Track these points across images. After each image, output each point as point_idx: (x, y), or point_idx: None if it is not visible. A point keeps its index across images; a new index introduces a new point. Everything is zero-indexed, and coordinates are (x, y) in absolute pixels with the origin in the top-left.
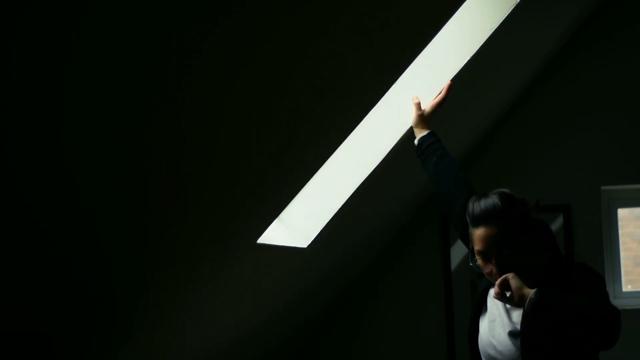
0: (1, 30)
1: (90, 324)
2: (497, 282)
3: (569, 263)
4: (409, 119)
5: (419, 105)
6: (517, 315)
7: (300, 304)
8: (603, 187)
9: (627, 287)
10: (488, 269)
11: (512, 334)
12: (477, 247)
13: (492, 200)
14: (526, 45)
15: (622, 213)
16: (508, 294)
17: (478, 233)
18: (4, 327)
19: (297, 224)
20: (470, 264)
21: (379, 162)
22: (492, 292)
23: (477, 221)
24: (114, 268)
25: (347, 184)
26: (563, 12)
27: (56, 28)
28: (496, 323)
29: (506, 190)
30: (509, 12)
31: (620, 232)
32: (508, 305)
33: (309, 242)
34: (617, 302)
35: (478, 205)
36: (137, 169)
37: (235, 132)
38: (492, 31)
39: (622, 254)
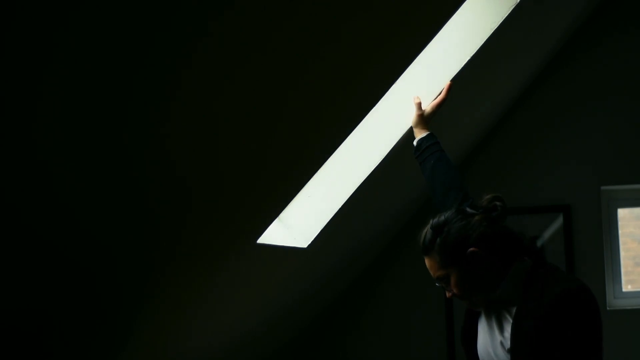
0: None
1: (92, 325)
2: None
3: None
4: (409, 119)
5: (419, 105)
6: (508, 327)
7: (300, 304)
8: (603, 187)
9: (627, 287)
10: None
11: (503, 346)
12: None
13: (425, 231)
14: (526, 45)
15: (622, 213)
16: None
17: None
18: (4, 325)
19: (297, 224)
20: (437, 284)
21: (379, 162)
22: None
23: (421, 251)
24: (116, 269)
25: (347, 184)
26: (563, 12)
27: (48, 33)
28: (494, 333)
29: (441, 217)
30: (509, 12)
31: (620, 232)
32: (501, 317)
33: (309, 242)
34: (617, 302)
35: (420, 236)
36: (136, 169)
37: (235, 132)
38: (492, 31)
39: (622, 254)
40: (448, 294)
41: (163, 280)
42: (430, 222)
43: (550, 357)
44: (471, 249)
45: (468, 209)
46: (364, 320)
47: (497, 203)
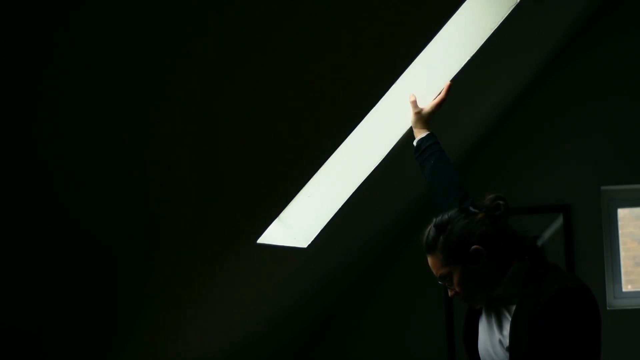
0: None
1: (92, 325)
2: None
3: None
4: (409, 119)
5: (414, 103)
6: (507, 325)
7: (300, 304)
8: (603, 187)
9: (627, 287)
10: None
11: (501, 344)
12: None
13: (428, 230)
14: (526, 45)
15: (622, 213)
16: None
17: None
18: (4, 325)
19: (297, 224)
20: (439, 282)
21: (379, 162)
22: None
23: (424, 250)
24: (116, 269)
25: (347, 184)
26: (563, 12)
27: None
28: (494, 332)
29: (444, 215)
30: (509, 12)
31: (620, 232)
32: (501, 315)
33: (309, 242)
34: (617, 302)
35: (423, 234)
36: (136, 169)
37: (235, 132)
38: (492, 31)
39: (622, 254)
40: (450, 293)
41: (163, 280)
42: (434, 220)
43: (548, 355)
44: (474, 247)
45: (471, 208)
46: (364, 320)
47: (500, 202)
